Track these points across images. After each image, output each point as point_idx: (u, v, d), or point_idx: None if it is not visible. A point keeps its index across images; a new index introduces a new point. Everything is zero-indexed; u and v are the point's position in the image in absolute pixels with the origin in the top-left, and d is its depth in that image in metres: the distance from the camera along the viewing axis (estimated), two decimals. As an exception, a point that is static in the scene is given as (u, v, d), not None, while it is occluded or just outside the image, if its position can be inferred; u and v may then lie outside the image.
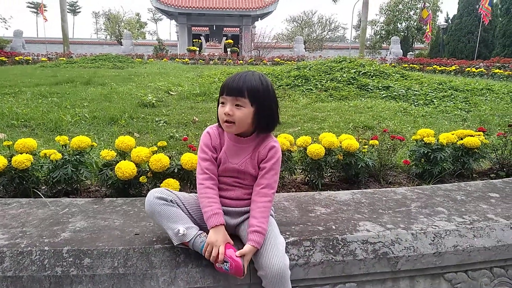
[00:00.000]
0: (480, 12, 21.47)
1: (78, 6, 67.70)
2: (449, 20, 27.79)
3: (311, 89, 6.79)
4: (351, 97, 6.36)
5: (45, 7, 25.79)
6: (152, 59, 17.99)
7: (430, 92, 6.68)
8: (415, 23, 32.99)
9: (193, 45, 24.89)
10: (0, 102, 5.18)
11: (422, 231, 1.78)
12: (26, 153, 2.22)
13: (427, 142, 2.63)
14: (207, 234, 1.51)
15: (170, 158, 2.28)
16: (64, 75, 8.16)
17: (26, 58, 16.23)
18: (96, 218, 1.86)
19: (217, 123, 1.63)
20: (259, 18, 29.14)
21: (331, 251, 1.65)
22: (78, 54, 19.60)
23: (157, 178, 2.25)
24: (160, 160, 2.17)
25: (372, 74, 7.55)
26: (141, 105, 5.21)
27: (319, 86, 6.91)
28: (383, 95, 6.46)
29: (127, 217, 1.88)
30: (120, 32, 37.38)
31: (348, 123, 4.44)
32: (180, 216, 1.52)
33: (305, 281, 1.64)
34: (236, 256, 1.43)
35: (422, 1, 32.17)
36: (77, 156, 2.29)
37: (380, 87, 6.87)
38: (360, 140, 2.65)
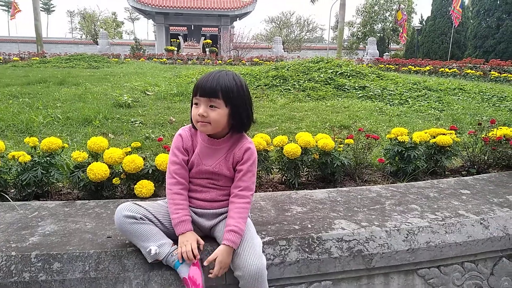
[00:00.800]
0: (451, 14, 22.06)
1: (52, 4, 66.02)
2: (423, 22, 28.43)
3: (289, 89, 6.82)
4: (328, 97, 6.41)
5: (17, 5, 24.92)
6: (129, 59, 17.71)
7: (405, 92, 6.82)
8: (390, 25, 33.65)
9: (171, 45, 24.64)
10: (-33, 103, 4.98)
11: (396, 228, 1.80)
12: (-7, 155, 2.14)
13: (401, 140, 2.68)
14: None
15: (144, 159, 2.24)
16: (37, 75, 7.92)
17: (-3, 57, 15.71)
18: (67, 221, 1.81)
19: (190, 124, 1.61)
20: (238, 18, 29.10)
21: (307, 250, 1.66)
22: (52, 53, 19.09)
23: (131, 179, 2.21)
24: (134, 161, 2.13)
25: (349, 74, 7.65)
26: (117, 105, 5.11)
27: (297, 86, 6.95)
28: (360, 95, 6.55)
29: (99, 219, 1.84)
30: (96, 32, 36.62)
31: (325, 123, 4.48)
32: (151, 233, 1.49)
33: (281, 280, 1.64)
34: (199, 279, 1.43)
35: (397, 2, 32.88)
36: (48, 158, 2.22)
37: (356, 87, 6.96)
38: (335, 139, 2.67)
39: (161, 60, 18.30)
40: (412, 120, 4.88)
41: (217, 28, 30.20)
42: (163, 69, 10.92)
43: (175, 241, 1.55)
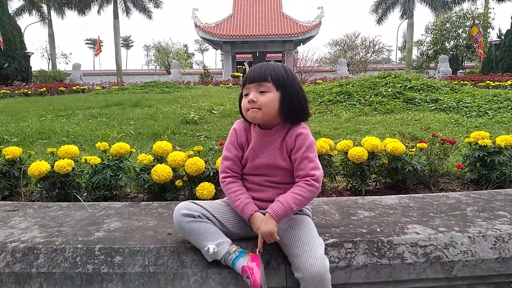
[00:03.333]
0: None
1: (131, 40, 72.13)
2: (502, 36, 26.41)
3: (354, 104, 6.61)
4: (396, 111, 6.10)
5: (102, 42, 27.57)
6: (198, 85, 18.55)
7: (484, 104, 6.27)
8: (464, 42, 31.72)
9: (237, 71, 25.48)
10: (54, 123, 5.49)
11: (481, 235, 1.58)
12: (68, 159, 2.28)
13: (482, 145, 2.41)
14: (239, 246, 1.47)
15: (206, 162, 2.24)
16: (114, 99, 8.56)
17: (82, 87, 17.32)
18: (131, 220, 1.84)
19: (243, 118, 1.57)
20: (301, 43, 29.36)
21: (376, 254, 1.50)
22: (130, 83, 20.65)
23: (193, 182, 2.22)
24: (196, 164, 2.13)
25: (419, 88, 7.24)
26: (184, 122, 5.32)
27: (363, 101, 6.72)
28: (432, 108, 6.14)
29: (161, 218, 1.85)
30: (169, 62, 39.11)
31: (394, 135, 4.23)
32: (209, 232, 1.45)
33: (347, 285, 1.49)
34: (257, 271, 1.34)
35: (471, 18, 31.03)
36: (116, 162, 2.31)
37: (428, 100, 6.54)
38: (406, 144, 2.47)
39: (228, 85, 18.92)
40: (493, 131, 4.43)
41: (281, 54, 30.71)
42: (228, 92, 11.25)
43: (234, 240, 1.50)
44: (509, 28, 24.80)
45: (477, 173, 2.45)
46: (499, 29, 28.19)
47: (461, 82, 15.84)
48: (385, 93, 6.96)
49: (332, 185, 2.53)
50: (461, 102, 6.36)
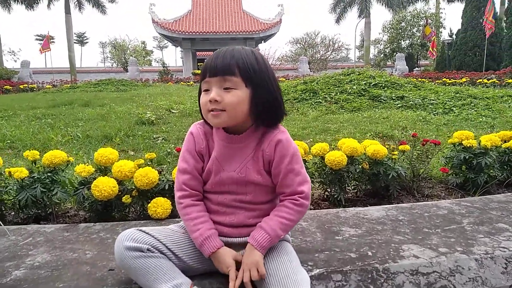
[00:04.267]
0: (484, 25, 21.24)
1: (85, 37, 69.04)
2: (454, 35, 27.55)
3: (320, 102, 6.42)
4: (363, 108, 5.97)
5: (53, 38, 25.91)
6: (157, 83, 17.85)
7: (448, 101, 6.27)
8: (418, 40, 32.82)
9: (198, 69, 24.88)
10: (-11, 125, 4.86)
11: (489, 256, 1.34)
12: (-13, 172, 1.84)
13: (467, 145, 2.21)
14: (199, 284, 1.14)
15: (160, 172, 1.88)
16: (64, 98, 7.90)
17: (31, 86, 16.12)
18: (64, 249, 1.46)
19: (202, 120, 1.22)
20: (263, 41, 29.16)
21: (371, 287, 1.22)
22: (83, 80, 19.54)
23: (145, 197, 1.85)
24: (147, 175, 1.77)
25: (383, 85, 7.17)
26: (139, 123, 4.87)
27: (329, 98, 6.54)
28: (398, 105, 6.07)
29: (102, 247, 1.48)
30: (126, 60, 37.63)
31: (365, 133, 4.04)
32: (163, 270, 1.10)
33: (338, 330, 1.20)
34: None
35: (424, 18, 32.16)
36: (49, 174, 1.90)
37: (393, 97, 6.48)
38: (386, 145, 2.23)
39: (188, 83, 18.34)
40: (462, 128, 4.34)
41: (242, 51, 30.32)
42: (189, 90, 10.80)
43: (194, 277, 1.17)
44: (460, 28, 25.91)
45: (463, 176, 2.25)
46: (450, 29, 29.45)
47: (420, 79, 16.24)
48: (350, 90, 6.82)
49: (306, 194, 2.25)
50: (426, 99, 6.33)
